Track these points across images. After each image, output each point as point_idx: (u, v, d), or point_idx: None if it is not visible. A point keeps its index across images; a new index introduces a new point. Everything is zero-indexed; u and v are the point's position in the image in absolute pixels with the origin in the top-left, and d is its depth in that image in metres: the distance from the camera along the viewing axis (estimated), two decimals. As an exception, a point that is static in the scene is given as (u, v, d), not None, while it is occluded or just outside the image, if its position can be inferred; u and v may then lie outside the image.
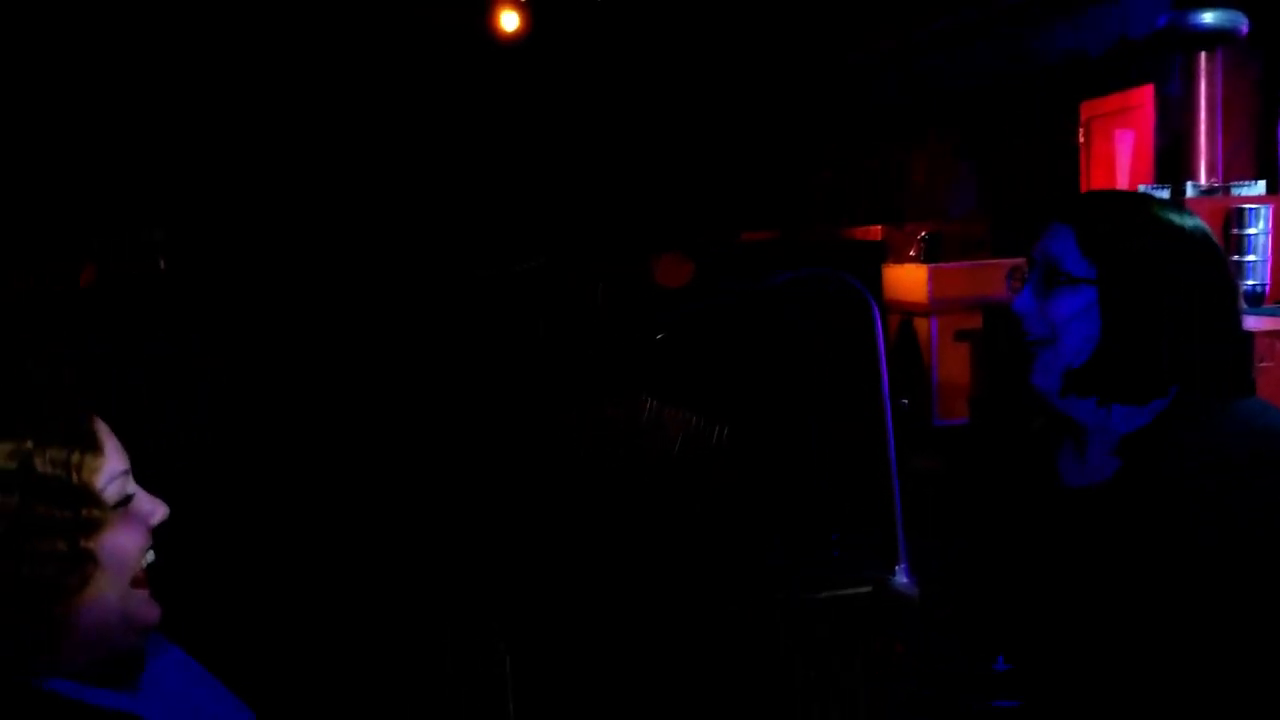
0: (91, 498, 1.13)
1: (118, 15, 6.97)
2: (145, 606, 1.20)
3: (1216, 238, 1.64)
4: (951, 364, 4.77)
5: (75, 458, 1.13)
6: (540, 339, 5.52)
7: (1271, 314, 2.85)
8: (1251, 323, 2.59)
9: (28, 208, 6.75)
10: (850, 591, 3.46)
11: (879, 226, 6.07)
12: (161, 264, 7.02)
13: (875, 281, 5.18)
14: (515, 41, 7.60)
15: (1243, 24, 3.49)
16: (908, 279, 5.15)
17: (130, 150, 7.18)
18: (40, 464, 1.10)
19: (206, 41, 7.06)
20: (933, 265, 5.03)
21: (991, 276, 4.91)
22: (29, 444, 1.11)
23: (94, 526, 1.13)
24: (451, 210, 7.57)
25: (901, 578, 3.50)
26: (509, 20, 7.60)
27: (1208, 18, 3.44)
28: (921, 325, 4.98)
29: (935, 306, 4.92)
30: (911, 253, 5.47)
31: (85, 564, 1.12)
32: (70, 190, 6.93)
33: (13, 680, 1.12)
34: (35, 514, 1.10)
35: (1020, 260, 1.70)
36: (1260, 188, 3.39)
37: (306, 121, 7.40)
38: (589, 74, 7.80)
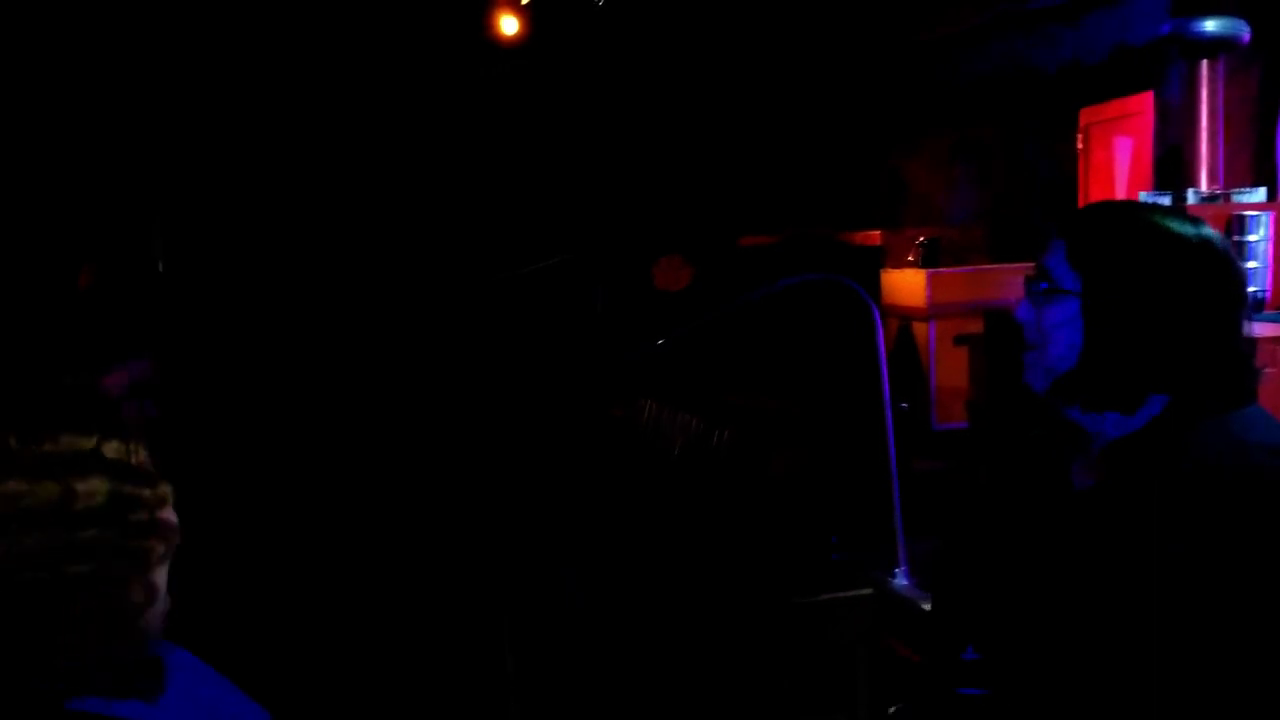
0: (155, 477, 1.25)
1: (115, 16, 6.97)
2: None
3: (1227, 245, 1.66)
4: (950, 368, 4.79)
5: (132, 446, 1.25)
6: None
7: (1273, 320, 2.87)
8: (1253, 329, 2.61)
9: (25, 210, 6.75)
10: (850, 593, 3.48)
11: (878, 231, 6.10)
12: (160, 266, 7.02)
13: (874, 286, 5.20)
14: (515, 45, 7.61)
15: (1244, 32, 3.51)
16: (906, 284, 5.16)
17: (129, 151, 7.17)
18: (108, 451, 1.22)
19: (207, 43, 7.06)
20: (931, 270, 5.04)
21: (989, 281, 4.93)
22: (96, 437, 1.23)
23: (164, 500, 1.25)
24: (451, 214, 7.57)
25: (901, 579, 3.52)
26: (509, 24, 7.62)
27: (1210, 25, 3.46)
28: (920, 330, 5.00)
29: (934, 311, 4.93)
30: (910, 258, 5.48)
31: (168, 532, 1.24)
32: (67, 192, 6.93)
33: (46, 701, 1.17)
34: (123, 491, 1.21)
35: (1031, 266, 1.75)
36: (1261, 195, 3.42)
37: (307, 126, 7.41)
38: (588, 78, 7.81)
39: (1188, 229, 1.62)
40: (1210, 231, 1.65)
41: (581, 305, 5.65)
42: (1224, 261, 1.62)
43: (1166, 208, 1.87)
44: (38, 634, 1.15)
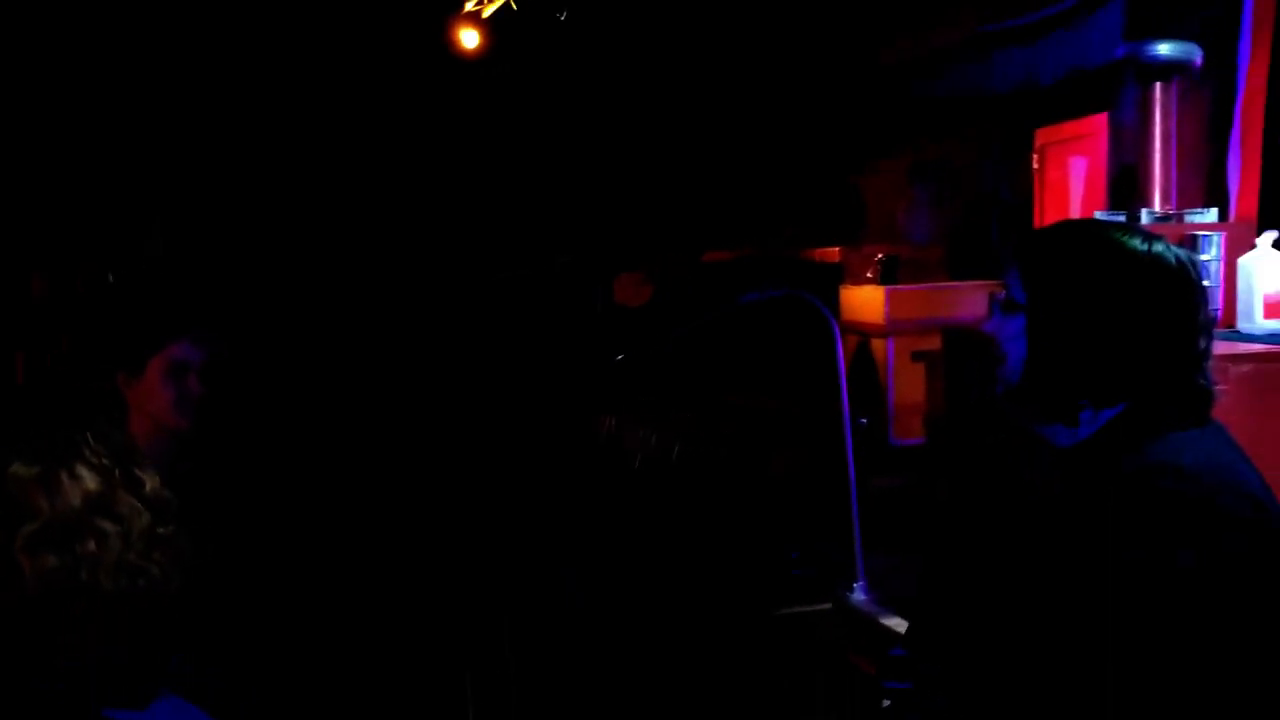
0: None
1: (105, 23, 6.91)
2: None
3: (1186, 263, 1.69)
4: (908, 384, 4.82)
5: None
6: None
7: (1224, 339, 2.92)
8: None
9: (22, 212, 6.68)
10: (809, 608, 3.50)
11: (836, 248, 6.14)
12: (110, 276, 6.95)
13: (833, 302, 5.23)
14: (476, 58, 7.61)
15: (1197, 55, 3.58)
16: (865, 300, 5.19)
17: (121, 157, 7.11)
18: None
19: (203, 48, 7.02)
20: (890, 287, 5.07)
21: (947, 298, 4.97)
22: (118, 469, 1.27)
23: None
24: (449, 215, 7.56)
25: (860, 594, 3.54)
26: (468, 38, 7.62)
27: (1164, 49, 3.52)
28: (878, 346, 5.03)
29: (892, 327, 4.96)
30: (868, 274, 5.51)
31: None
32: (63, 195, 6.86)
33: (89, 713, 1.17)
34: (165, 495, 1.29)
35: (988, 283, 1.81)
36: (1212, 215, 3.48)
37: (305, 128, 7.38)
38: (548, 93, 7.82)
39: (1137, 245, 1.65)
40: (1163, 248, 1.67)
41: (582, 306, 5.66)
42: (1174, 278, 1.63)
43: (1123, 225, 1.90)
44: (41, 634, 1.14)
